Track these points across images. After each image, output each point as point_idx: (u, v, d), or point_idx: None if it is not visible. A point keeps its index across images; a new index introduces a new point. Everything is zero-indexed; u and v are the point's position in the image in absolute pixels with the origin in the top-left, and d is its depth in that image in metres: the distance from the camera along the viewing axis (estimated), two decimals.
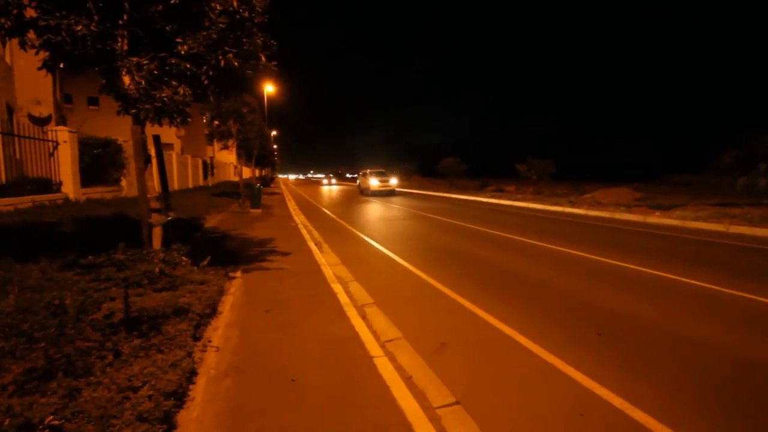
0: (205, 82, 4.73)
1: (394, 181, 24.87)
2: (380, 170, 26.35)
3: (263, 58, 5.14)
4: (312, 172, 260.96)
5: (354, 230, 10.15)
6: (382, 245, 7.97)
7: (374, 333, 3.67)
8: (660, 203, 14.76)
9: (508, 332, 3.69)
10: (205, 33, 4.53)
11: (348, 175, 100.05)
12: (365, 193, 24.78)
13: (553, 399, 2.64)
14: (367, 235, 9.19)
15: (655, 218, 11.94)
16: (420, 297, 4.82)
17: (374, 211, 15.77)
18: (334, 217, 13.36)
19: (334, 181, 54.94)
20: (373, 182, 23.75)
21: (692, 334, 3.67)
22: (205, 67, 4.68)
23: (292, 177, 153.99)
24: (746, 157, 13.40)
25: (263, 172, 48.77)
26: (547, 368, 3.04)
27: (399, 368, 3.02)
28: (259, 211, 13.83)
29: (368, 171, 25.92)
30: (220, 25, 4.51)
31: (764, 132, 12.98)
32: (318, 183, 62.85)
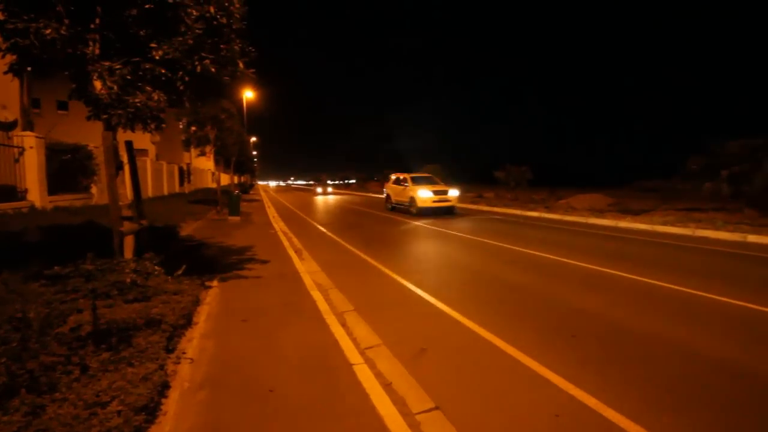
0: (181, 87, 4.65)
1: (454, 193, 15.56)
2: (425, 175, 17.57)
3: (241, 65, 5.10)
4: (293, 179, 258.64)
5: (332, 235, 10.10)
6: (359, 250, 7.96)
7: (354, 340, 3.66)
8: (631, 208, 15.34)
9: (487, 336, 3.74)
10: (180, 38, 4.46)
11: (329, 182, 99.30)
12: (405, 208, 15.97)
13: (530, 401, 2.69)
14: (344, 240, 9.16)
15: (626, 223, 12.39)
16: (400, 303, 4.83)
17: (349, 215, 15.75)
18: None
19: (330, 189, 44.57)
20: (424, 194, 14.69)
21: (661, 334, 3.81)
22: (180, 73, 4.60)
23: (272, 184, 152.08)
24: (710, 164, 14.08)
25: (242, 179, 47.61)
26: (525, 371, 3.09)
27: (379, 375, 3.01)
28: (237, 218, 13.58)
29: (406, 176, 16.52)
30: (197, 30, 4.46)
31: (727, 140, 13.69)
32: (300, 190, 62.11)
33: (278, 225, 12.41)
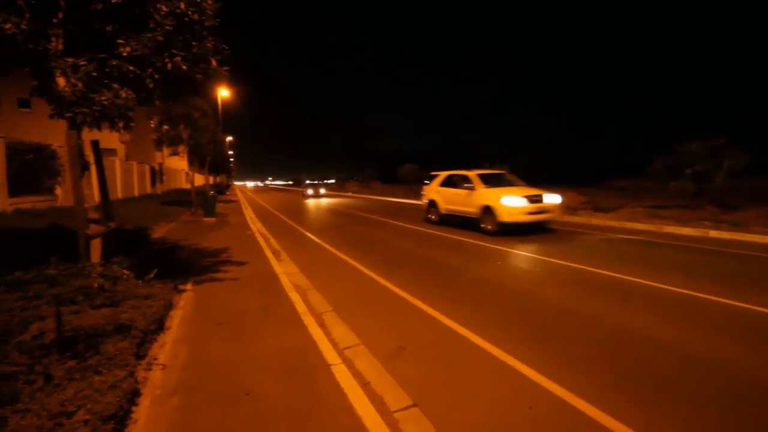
0: (150, 85, 4.52)
1: (554, 199, 10.58)
2: (497, 172, 12.43)
3: (214, 63, 4.99)
4: (270, 179, 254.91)
5: (311, 236, 10.02)
6: (339, 251, 7.93)
7: (332, 341, 3.64)
8: (602, 206, 15.89)
9: (464, 333, 3.79)
10: (150, 35, 4.33)
11: (307, 182, 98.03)
12: (470, 221, 10.67)
13: (505, 394, 2.75)
14: (324, 241, 9.11)
15: (597, 220, 12.86)
16: (379, 302, 4.84)
17: (330, 215, 15.66)
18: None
19: (323, 191, 32.95)
20: (513, 201, 9.62)
21: (628, 327, 3.96)
22: (150, 70, 4.47)
23: (250, 184, 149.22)
24: (674, 164, 14.74)
25: (218, 180, 46.42)
26: (500, 366, 3.16)
27: (357, 375, 3.01)
28: (213, 219, 13.27)
29: (470, 174, 11.26)
30: (167, 27, 4.34)
31: (690, 141, 14.36)
32: (279, 191, 61.18)
33: (255, 226, 12.20)
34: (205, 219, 13.28)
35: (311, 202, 25.26)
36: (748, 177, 15.39)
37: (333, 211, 18.21)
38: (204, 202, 13.91)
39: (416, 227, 11.74)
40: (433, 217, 12.52)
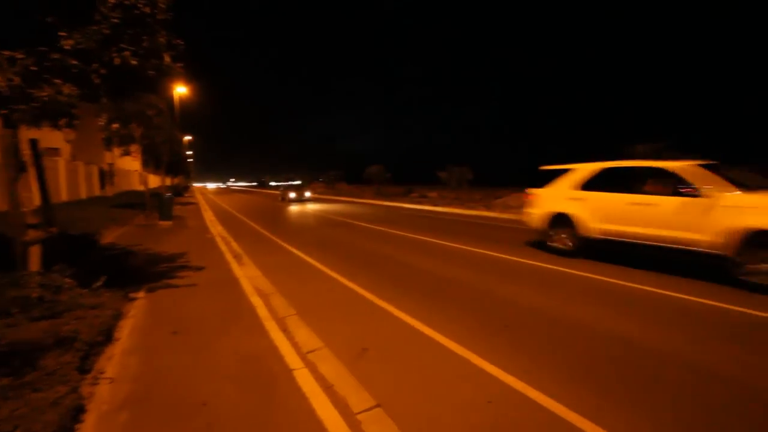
0: (96, 81, 4.25)
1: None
2: (708, 162, 6.03)
3: (167, 59, 4.78)
4: (233, 180, 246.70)
5: (276, 239, 9.80)
6: (305, 254, 7.81)
7: (295, 345, 3.58)
8: None
9: (427, 332, 3.85)
10: (95, 27, 4.08)
11: (272, 184, 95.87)
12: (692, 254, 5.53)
13: (466, 390, 2.82)
14: (290, 244, 8.94)
15: None
16: (344, 305, 4.81)
17: (297, 217, 15.40)
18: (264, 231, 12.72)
19: (308, 194, 27.37)
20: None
21: (584, 321, 4.19)
22: (95, 65, 4.21)
23: (211, 186, 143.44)
24: None
25: (175, 181, 44.29)
26: (462, 362, 3.24)
27: (320, 378, 2.98)
28: (169, 223, 12.65)
29: (683, 166, 5.95)
30: (114, 20, 4.10)
31: (637, 143, 15.41)
32: (243, 192, 59.31)
33: (216, 229, 11.76)
34: (161, 222, 12.64)
35: (285, 206, 24.60)
36: None
37: (318, 218, 17.88)
38: (159, 204, 13.23)
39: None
40: (563, 243, 7.50)
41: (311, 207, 21.34)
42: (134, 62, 4.22)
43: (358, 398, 2.71)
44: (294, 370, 3.08)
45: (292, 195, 26.20)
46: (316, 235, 11.11)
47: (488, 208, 17.56)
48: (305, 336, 3.80)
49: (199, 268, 6.42)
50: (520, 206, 17.22)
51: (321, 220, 15.02)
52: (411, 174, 48.02)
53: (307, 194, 27.34)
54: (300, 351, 3.45)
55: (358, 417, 2.51)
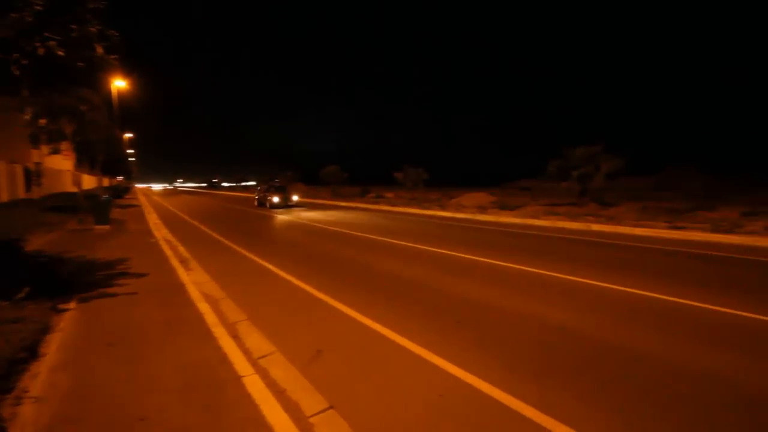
0: (17, 72, 3.85)
1: None
2: None
3: (100, 50, 4.43)
4: (181, 180, 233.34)
5: (226, 242, 9.40)
6: (258, 256, 7.58)
7: (246, 351, 3.46)
8: (508, 204, 17.52)
9: (382, 331, 3.88)
10: (16, 15, 3.69)
11: (224, 185, 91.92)
12: None
13: (419, 386, 2.88)
14: (241, 246, 8.62)
15: (504, 218, 14.14)
16: (298, 307, 4.73)
17: (246, 218, 14.89)
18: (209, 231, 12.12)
19: (296, 198, 21.79)
20: None
21: (529, 313, 4.42)
22: (16, 55, 3.81)
23: (156, 187, 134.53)
24: (564, 167, 16.85)
25: (114, 182, 41.05)
26: (414, 359, 3.30)
27: (272, 384, 2.90)
28: (106, 227, 11.71)
29: None
30: (37, 7, 3.73)
31: (576, 146, 16.51)
32: (192, 194, 56.27)
33: (160, 233, 11.07)
34: (97, 227, 11.67)
35: (249, 210, 23.53)
36: (622, 177, 18.22)
37: (271, 219, 17.25)
38: (94, 207, 12.21)
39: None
40: None
41: (284, 216, 20.68)
42: (61, 53, 3.87)
43: (311, 401, 2.68)
44: (244, 376, 2.97)
45: (276, 200, 20.15)
46: (271, 236, 10.81)
47: (443, 208, 18.01)
48: (257, 341, 3.68)
49: (141, 275, 6.01)
50: (476, 205, 17.88)
51: (274, 221, 14.63)
52: (367, 174, 48.21)
53: (295, 198, 21.36)
54: (251, 357, 3.34)
55: (311, 420, 2.47)
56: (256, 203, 22.82)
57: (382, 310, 4.47)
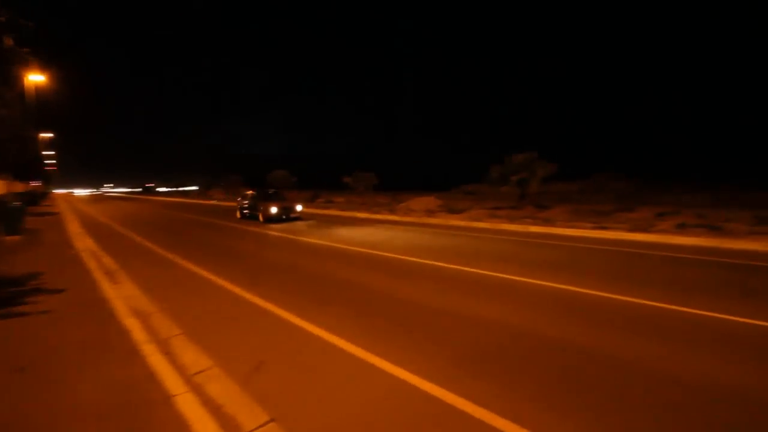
0: None
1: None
2: None
3: (9, 41, 3.97)
4: (110, 185, 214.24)
5: (159, 250, 8.75)
6: (196, 265, 7.14)
7: (180, 368, 3.23)
8: (455, 208, 18.16)
9: (327, 337, 3.82)
10: None
11: (160, 190, 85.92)
12: None
13: (363, 390, 2.86)
14: (176, 255, 8.07)
15: (451, 221, 14.64)
16: (240, 318, 4.51)
17: (179, 222, 14.01)
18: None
19: (299, 208, 16.73)
20: None
21: (468, 313, 4.59)
22: None
23: (80, 192, 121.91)
24: (505, 172, 17.83)
25: (29, 187, 36.71)
26: (359, 363, 3.28)
27: (208, 401, 2.73)
28: (17, 238, 10.41)
29: None
30: None
31: (515, 152, 17.54)
32: (124, 200, 51.80)
33: (84, 243, 10.04)
34: (6, 238, 10.34)
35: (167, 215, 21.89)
36: (556, 182, 19.68)
37: (205, 226, 16.20)
38: (4, 215, 10.80)
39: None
40: None
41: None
42: None
43: (250, 415, 2.56)
44: (175, 395, 2.77)
45: (274, 210, 15.10)
46: (207, 242, 10.25)
47: (392, 212, 18.25)
48: (192, 357, 3.46)
49: (57, 291, 5.40)
50: (424, 209, 18.30)
51: (210, 227, 13.91)
52: (317, 179, 47.54)
53: (299, 208, 16.53)
54: (185, 374, 3.12)
55: None
56: (238, 215, 17.38)
57: (327, 316, 4.41)
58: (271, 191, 18.22)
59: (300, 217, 16.85)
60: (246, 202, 17.09)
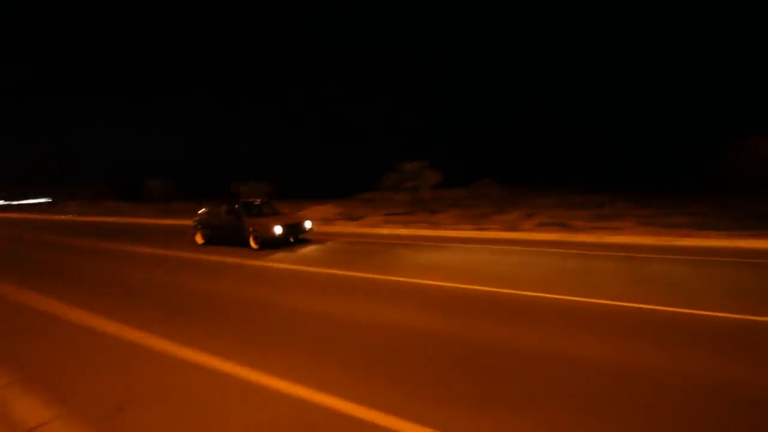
0: None
1: None
2: None
3: None
4: None
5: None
6: (41, 292, 5.91)
7: (11, 425, 2.64)
8: (353, 215, 18.49)
9: (201, 361, 3.52)
10: None
11: (2, 203, 69.48)
12: None
13: (246, 411, 2.71)
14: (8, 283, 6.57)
15: (349, 228, 14.85)
16: (93, 351, 3.86)
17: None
18: None
19: (309, 225, 11.75)
20: None
21: (341, 316, 4.70)
22: None
23: None
24: (399, 180, 18.83)
25: None
26: (238, 383, 3.10)
27: None
28: None
29: None
30: None
31: (405, 161, 18.65)
32: None
33: None
34: None
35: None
36: (444, 188, 21.48)
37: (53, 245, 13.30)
38: None
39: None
40: None
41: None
42: None
43: None
44: None
45: (279, 231, 10.36)
46: (45, 262, 8.60)
47: None
48: (31, 407, 2.86)
49: None
50: (323, 217, 18.20)
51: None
52: (203, 188, 43.65)
53: (308, 225, 11.79)
54: (18, 431, 2.56)
55: None
56: (200, 239, 11.89)
57: (195, 335, 4.07)
58: (257, 201, 12.62)
59: (309, 239, 12.25)
60: (214, 219, 11.74)
